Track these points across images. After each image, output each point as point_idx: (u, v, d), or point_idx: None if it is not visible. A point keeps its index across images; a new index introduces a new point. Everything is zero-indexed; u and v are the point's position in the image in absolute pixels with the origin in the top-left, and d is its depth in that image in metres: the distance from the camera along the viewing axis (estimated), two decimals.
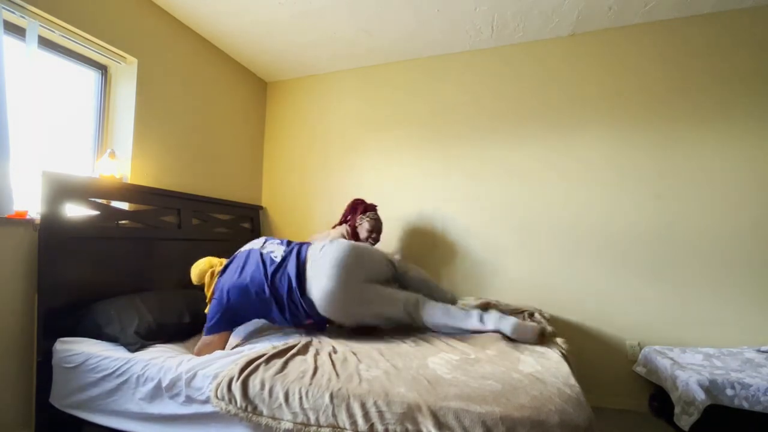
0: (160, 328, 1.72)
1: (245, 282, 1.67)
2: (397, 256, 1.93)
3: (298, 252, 1.75)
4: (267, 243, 1.84)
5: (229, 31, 2.64)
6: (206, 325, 1.68)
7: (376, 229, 2.48)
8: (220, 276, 1.77)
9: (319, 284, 1.61)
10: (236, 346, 1.70)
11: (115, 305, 1.73)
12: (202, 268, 1.89)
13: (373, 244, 2.46)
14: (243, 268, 1.73)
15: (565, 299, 2.43)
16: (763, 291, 2.12)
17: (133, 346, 1.57)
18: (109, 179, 2.03)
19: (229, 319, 1.70)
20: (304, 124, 3.26)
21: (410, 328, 1.79)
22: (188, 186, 2.55)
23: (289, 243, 1.84)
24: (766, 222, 2.14)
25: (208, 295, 1.80)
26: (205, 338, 1.65)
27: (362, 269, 1.67)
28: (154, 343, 1.64)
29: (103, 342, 1.63)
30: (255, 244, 1.87)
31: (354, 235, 2.48)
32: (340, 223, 2.58)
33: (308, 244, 1.83)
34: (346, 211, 2.59)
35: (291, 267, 1.68)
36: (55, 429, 1.62)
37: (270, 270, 1.68)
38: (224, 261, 1.89)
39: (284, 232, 3.19)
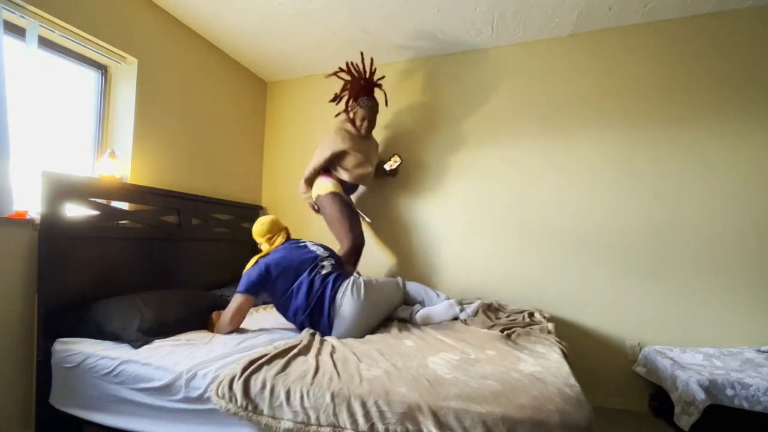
0: (161, 325, 1.72)
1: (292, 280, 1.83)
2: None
3: (333, 282, 1.85)
4: (325, 260, 1.93)
5: (229, 31, 2.64)
6: (241, 286, 1.79)
7: (369, 117, 2.50)
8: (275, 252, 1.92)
9: (341, 328, 1.77)
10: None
11: (116, 304, 1.74)
12: (261, 230, 2.04)
13: (368, 130, 2.54)
14: (296, 274, 1.84)
15: (565, 299, 2.43)
16: (763, 291, 2.12)
17: (137, 343, 1.57)
18: (109, 179, 2.03)
19: (260, 290, 1.83)
20: (304, 124, 3.26)
21: (409, 326, 1.86)
22: (188, 186, 2.55)
23: (333, 264, 1.95)
24: (765, 222, 2.14)
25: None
26: (236, 297, 1.77)
27: (375, 316, 1.89)
28: (156, 339, 1.65)
29: (103, 341, 1.62)
30: (315, 249, 1.98)
31: (352, 122, 2.54)
32: (343, 112, 2.63)
33: (341, 277, 1.90)
34: (347, 92, 2.60)
35: (327, 293, 1.82)
36: (55, 429, 1.62)
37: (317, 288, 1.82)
38: (284, 231, 2.06)
39: None
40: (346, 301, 1.77)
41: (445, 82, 2.85)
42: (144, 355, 1.49)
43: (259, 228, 2.05)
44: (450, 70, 2.84)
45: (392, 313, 2.01)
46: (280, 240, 2.01)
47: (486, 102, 2.73)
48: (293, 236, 2.16)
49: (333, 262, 1.95)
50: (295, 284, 1.80)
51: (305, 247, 1.98)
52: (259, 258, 1.90)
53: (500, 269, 2.61)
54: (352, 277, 1.88)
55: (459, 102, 2.80)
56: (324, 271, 1.86)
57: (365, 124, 2.50)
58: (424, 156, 2.86)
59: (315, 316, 1.77)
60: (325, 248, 2.04)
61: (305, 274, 1.82)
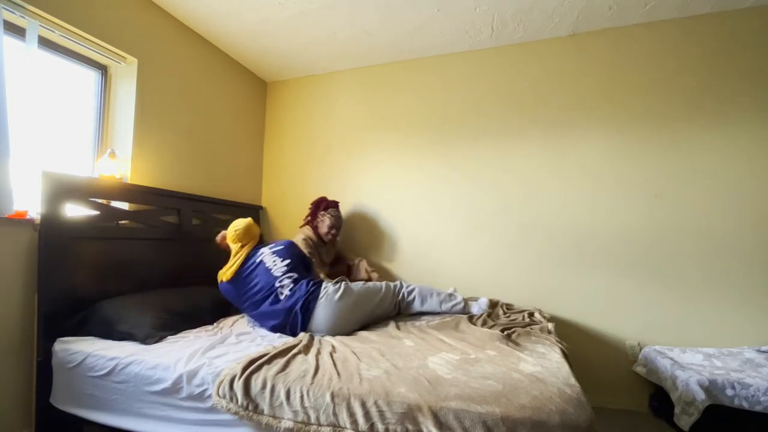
0: (173, 322, 1.78)
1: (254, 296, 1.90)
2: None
3: (306, 300, 1.85)
4: (284, 278, 1.91)
5: (229, 31, 2.64)
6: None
7: (336, 226, 2.62)
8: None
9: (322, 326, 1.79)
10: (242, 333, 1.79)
11: (125, 302, 1.77)
12: (236, 236, 2.06)
13: (333, 238, 2.65)
14: (257, 289, 1.90)
15: (565, 299, 2.44)
16: (763, 291, 2.12)
17: (150, 340, 1.60)
18: (109, 179, 2.03)
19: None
20: (304, 124, 3.26)
21: (409, 325, 1.87)
22: (188, 186, 2.55)
23: (296, 279, 1.92)
24: (765, 222, 2.14)
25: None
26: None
27: (359, 314, 1.89)
28: (168, 335, 1.69)
29: (105, 340, 1.63)
30: (272, 266, 1.95)
31: (316, 233, 2.62)
32: (306, 224, 2.68)
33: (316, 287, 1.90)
34: (310, 210, 2.69)
35: (299, 307, 1.82)
36: (56, 429, 1.61)
37: (279, 306, 1.85)
38: (257, 235, 2.13)
39: (284, 232, 3.19)
40: (321, 308, 1.80)
41: (445, 83, 2.85)
42: (146, 354, 1.49)
43: (234, 234, 2.06)
44: (450, 71, 2.84)
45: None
46: (246, 251, 2.02)
47: (486, 102, 2.73)
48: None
49: (292, 276, 1.92)
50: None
51: (263, 265, 1.96)
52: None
53: (500, 269, 2.61)
54: (329, 286, 1.89)
55: (458, 102, 2.80)
56: (283, 295, 1.86)
57: (333, 231, 2.60)
58: (420, 157, 2.86)
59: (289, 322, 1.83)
60: (284, 258, 1.99)
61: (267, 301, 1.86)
